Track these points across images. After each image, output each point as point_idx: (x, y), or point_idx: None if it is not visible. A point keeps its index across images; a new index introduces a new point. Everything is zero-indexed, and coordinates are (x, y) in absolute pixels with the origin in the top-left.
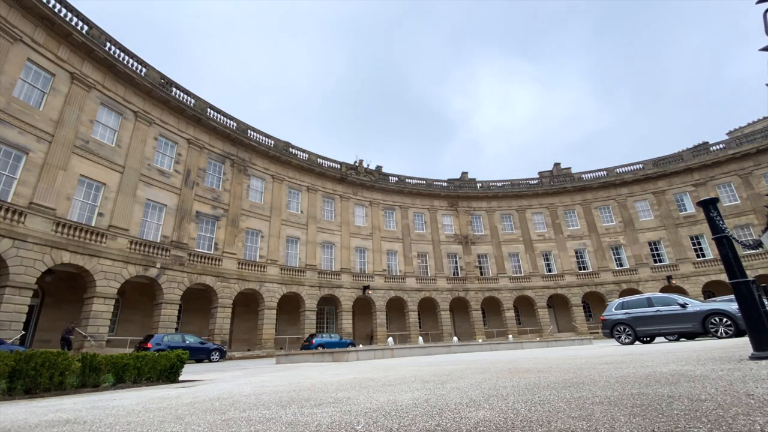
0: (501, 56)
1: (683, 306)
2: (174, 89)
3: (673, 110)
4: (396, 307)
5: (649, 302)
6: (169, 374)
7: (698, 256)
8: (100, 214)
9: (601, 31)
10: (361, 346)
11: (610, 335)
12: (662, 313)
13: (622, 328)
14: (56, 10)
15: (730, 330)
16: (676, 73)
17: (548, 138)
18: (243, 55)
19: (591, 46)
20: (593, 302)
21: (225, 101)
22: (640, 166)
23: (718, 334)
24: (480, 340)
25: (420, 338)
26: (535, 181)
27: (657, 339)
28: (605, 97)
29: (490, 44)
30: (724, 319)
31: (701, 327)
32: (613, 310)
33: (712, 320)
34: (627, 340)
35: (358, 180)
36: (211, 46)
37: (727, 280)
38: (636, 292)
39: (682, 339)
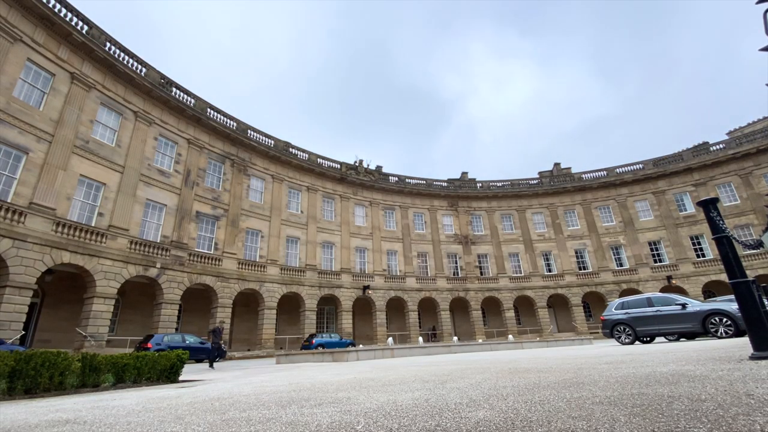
0: (495, 32)
1: (683, 306)
2: (174, 89)
3: (682, 96)
4: (396, 307)
5: (649, 302)
6: (169, 374)
7: (698, 256)
8: (100, 214)
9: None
10: (361, 346)
11: (610, 335)
12: (662, 313)
13: (622, 328)
14: (56, 10)
15: (730, 330)
16: (687, 50)
17: (548, 125)
18: (214, 35)
19: (594, 17)
20: (593, 302)
21: (197, 84)
22: (640, 166)
23: (718, 334)
24: (480, 340)
25: (420, 338)
26: (535, 181)
27: (657, 339)
28: (609, 79)
29: (483, 18)
30: (724, 319)
31: (701, 327)
32: (613, 310)
33: (712, 320)
34: (627, 340)
35: (358, 180)
36: (178, 21)
37: (727, 280)
38: (636, 292)
39: (682, 339)
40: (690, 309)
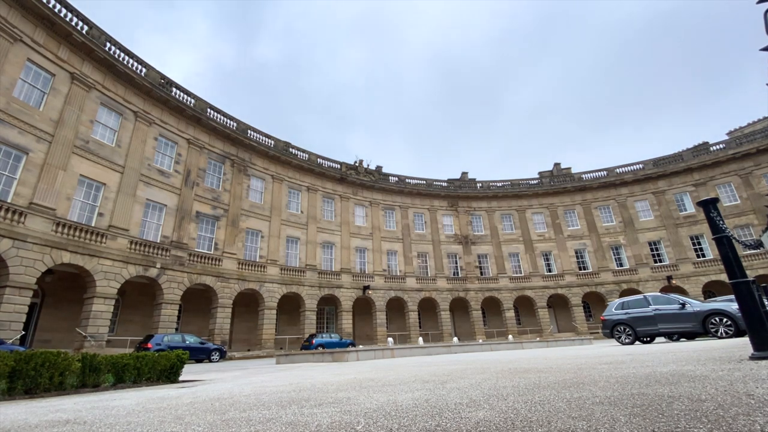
0: None
1: (683, 306)
2: (174, 89)
3: (683, 96)
4: (396, 307)
5: (649, 302)
6: (169, 374)
7: (698, 256)
8: (100, 214)
9: None
10: (361, 346)
11: (611, 335)
12: (662, 313)
13: (622, 328)
14: (56, 10)
15: (730, 330)
16: (686, 50)
17: None
18: None
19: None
20: (593, 302)
21: None
22: (640, 166)
23: (719, 334)
24: (480, 340)
25: (420, 338)
26: (535, 181)
27: (657, 339)
28: (605, 81)
29: None
30: (724, 319)
31: (701, 327)
32: (613, 310)
33: (712, 320)
34: (627, 340)
35: (358, 180)
36: None
37: (727, 280)
38: (636, 292)
39: (682, 339)
40: (690, 309)
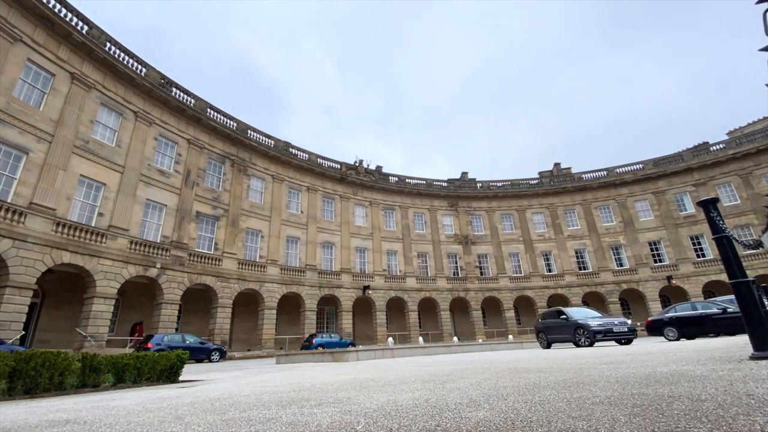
0: None
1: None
2: (174, 89)
3: (682, 96)
4: (396, 307)
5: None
6: (169, 374)
7: (698, 256)
8: (100, 214)
9: None
10: (361, 346)
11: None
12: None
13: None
14: (56, 10)
15: None
16: (686, 51)
17: None
18: None
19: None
20: (593, 302)
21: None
22: (640, 166)
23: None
24: (480, 340)
25: (420, 338)
26: (535, 181)
27: (658, 339)
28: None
29: None
30: None
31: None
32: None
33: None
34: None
35: (358, 180)
36: None
37: (727, 280)
38: (636, 292)
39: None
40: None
